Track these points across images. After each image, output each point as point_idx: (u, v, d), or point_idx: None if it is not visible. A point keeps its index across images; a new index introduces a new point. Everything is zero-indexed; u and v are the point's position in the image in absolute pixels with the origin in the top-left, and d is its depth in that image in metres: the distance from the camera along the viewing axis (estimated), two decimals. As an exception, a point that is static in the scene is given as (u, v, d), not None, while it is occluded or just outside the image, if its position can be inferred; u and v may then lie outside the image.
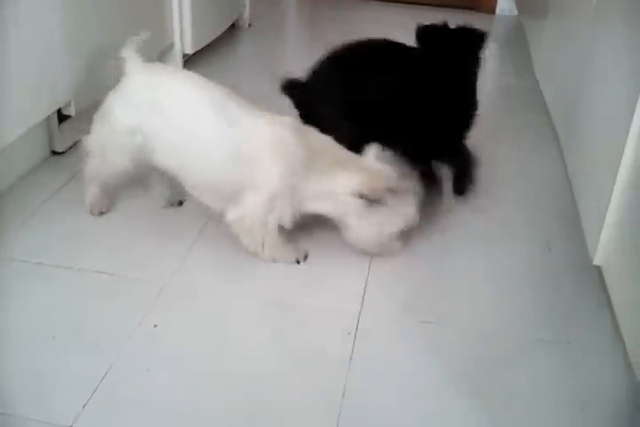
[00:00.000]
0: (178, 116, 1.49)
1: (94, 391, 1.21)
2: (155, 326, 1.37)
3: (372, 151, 1.54)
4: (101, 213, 1.70)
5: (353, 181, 1.48)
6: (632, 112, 1.30)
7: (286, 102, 1.75)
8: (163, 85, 1.53)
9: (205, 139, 1.47)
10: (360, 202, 1.48)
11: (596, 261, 1.45)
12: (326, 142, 1.52)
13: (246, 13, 3.20)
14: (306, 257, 1.59)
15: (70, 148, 1.98)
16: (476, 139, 2.25)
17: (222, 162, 1.47)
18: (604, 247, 1.42)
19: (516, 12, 3.57)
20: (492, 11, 3.72)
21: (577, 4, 1.94)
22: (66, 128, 1.95)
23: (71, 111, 1.87)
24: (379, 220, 1.52)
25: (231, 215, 1.51)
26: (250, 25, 3.22)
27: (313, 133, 1.53)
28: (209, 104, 1.48)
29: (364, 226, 1.52)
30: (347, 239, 1.56)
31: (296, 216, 1.52)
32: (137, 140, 1.51)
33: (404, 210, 1.54)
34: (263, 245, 1.54)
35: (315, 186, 1.49)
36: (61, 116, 1.91)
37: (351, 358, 1.32)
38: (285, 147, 1.46)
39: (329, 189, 1.49)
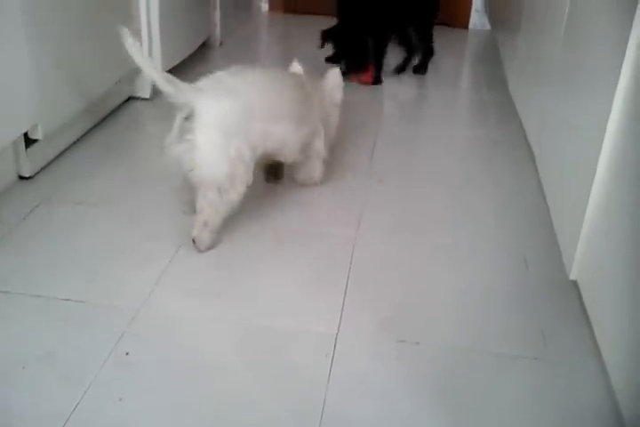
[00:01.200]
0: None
1: (65, 423, 1.17)
2: (127, 353, 1.34)
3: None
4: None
5: None
6: (604, 128, 1.31)
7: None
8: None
9: None
10: None
11: (573, 277, 1.46)
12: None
13: (217, 32, 3.20)
14: None
15: (38, 172, 1.95)
16: (450, 154, 2.27)
17: None
18: (580, 262, 1.43)
19: (489, 27, 3.60)
20: (465, 26, 3.75)
21: (549, 19, 1.95)
22: (33, 152, 1.92)
23: (38, 135, 1.85)
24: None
25: None
26: (221, 43, 3.22)
27: None
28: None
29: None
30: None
31: None
32: None
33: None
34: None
35: None
36: (28, 140, 1.88)
37: (329, 380, 1.29)
38: None
39: None
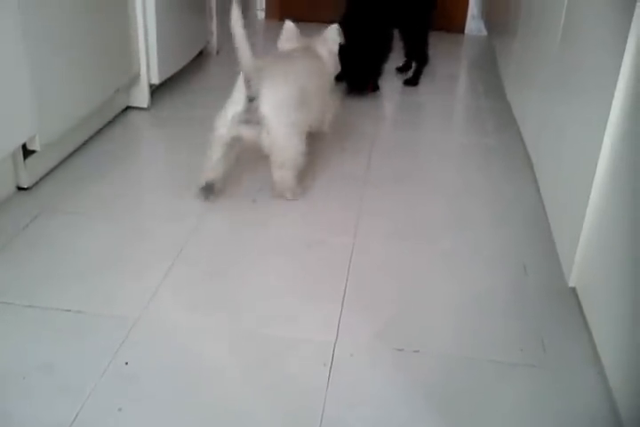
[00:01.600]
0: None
1: (65, 434, 1.18)
2: (126, 363, 1.34)
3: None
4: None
5: None
6: (602, 134, 1.31)
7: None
8: None
9: None
10: None
11: (572, 283, 1.45)
12: None
13: (214, 41, 3.21)
14: None
15: (36, 183, 1.95)
16: (448, 161, 2.27)
17: None
18: (579, 269, 1.43)
19: (485, 32, 3.59)
20: (461, 30, 3.75)
21: (545, 25, 1.95)
22: (31, 163, 1.92)
23: (36, 146, 1.85)
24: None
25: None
26: (218, 52, 3.23)
27: None
28: None
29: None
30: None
31: None
32: None
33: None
34: None
35: None
36: (26, 151, 1.88)
37: (327, 388, 1.29)
38: None
39: None
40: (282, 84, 1.81)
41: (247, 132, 1.80)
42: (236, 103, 1.79)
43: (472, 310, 1.54)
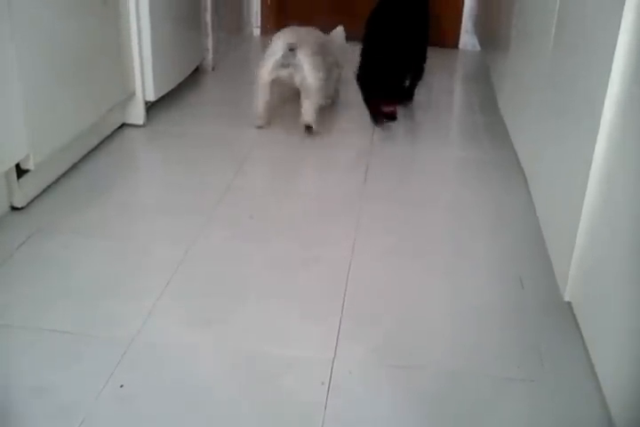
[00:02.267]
0: None
1: (59, 459, 1.17)
2: (121, 386, 1.32)
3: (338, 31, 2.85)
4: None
5: None
6: (592, 149, 1.31)
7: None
8: None
9: None
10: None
11: (567, 298, 1.45)
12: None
13: (209, 57, 3.21)
14: None
15: (31, 202, 1.94)
16: (443, 176, 2.27)
17: None
18: (573, 283, 1.42)
19: (479, 47, 3.61)
20: (455, 46, 3.76)
21: (536, 40, 1.96)
22: (25, 182, 1.91)
23: (30, 165, 1.84)
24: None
25: None
26: (213, 68, 3.23)
27: None
28: None
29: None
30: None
31: None
32: None
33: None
34: None
35: None
36: (20, 171, 1.87)
37: (325, 407, 1.28)
38: None
39: None
40: (312, 44, 2.52)
41: (284, 73, 2.47)
42: (275, 54, 2.44)
43: (470, 324, 1.54)
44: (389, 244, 1.86)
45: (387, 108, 2.62)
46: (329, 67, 2.64)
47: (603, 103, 1.28)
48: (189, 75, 2.95)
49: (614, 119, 1.27)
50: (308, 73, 2.47)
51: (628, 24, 1.22)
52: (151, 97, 2.54)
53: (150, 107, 2.62)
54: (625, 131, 1.23)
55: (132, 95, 2.48)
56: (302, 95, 2.52)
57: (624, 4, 1.22)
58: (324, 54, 2.58)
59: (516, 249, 1.83)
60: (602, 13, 1.36)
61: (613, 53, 1.25)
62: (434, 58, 3.34)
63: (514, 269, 1.74)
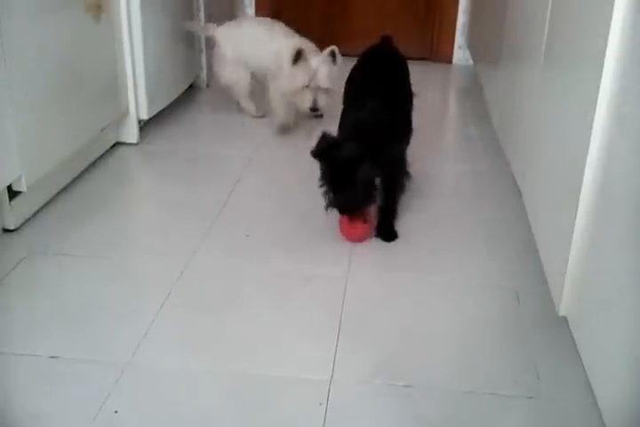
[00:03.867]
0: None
1: (52, 486, 1.15)
2: (115, 411, 1.31)
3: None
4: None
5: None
6: (584, 161, 1.32)
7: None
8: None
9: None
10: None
11: (562, 313, 1.45)
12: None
13: (203, 74, 3.21)
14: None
15: (23, 224, 1.93)
16: (437, 190, 2.26)
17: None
18: (568, 298, 1.43)
19: (472, 62, 3.61)
20: (448, 60, 3.77)
21: (527, 54, 1.96)
22: (17, 204, 1.90)
23: (22, 187, 1.83)
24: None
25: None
26: (208, 85, 3.23)
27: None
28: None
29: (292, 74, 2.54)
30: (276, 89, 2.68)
31: None
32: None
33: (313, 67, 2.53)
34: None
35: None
36: (12, 192, 1.86)
37: (323, 429, 1.27)
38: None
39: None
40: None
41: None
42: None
43: (467, 341, 1.53)
44: (384, 260, 1.85)
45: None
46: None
47: (593, 116, 1.29)
48: (183, 92, 2.95)
49: (605, 131, 1.28)
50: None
51: (616, 38, 1.23)
52: (144, 115, 2.53)
53: (144, 125, 2.61)
54: (618, 143, 1.23)
55: (125, 114, 2.47)
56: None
57: (611, 19, 1.23)
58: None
59: (512, 263, 1.82)
60: (591, 28, 1.37)
61: (602, 67, 1.26)
62: (428, 72, 3.36)
63: (510, 283, 1.73)
